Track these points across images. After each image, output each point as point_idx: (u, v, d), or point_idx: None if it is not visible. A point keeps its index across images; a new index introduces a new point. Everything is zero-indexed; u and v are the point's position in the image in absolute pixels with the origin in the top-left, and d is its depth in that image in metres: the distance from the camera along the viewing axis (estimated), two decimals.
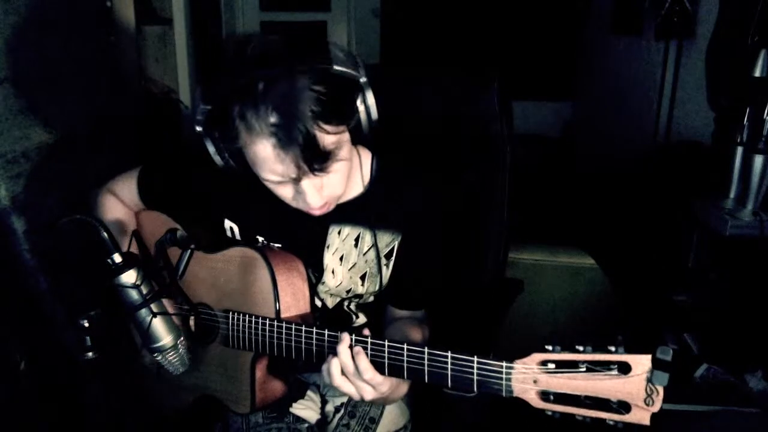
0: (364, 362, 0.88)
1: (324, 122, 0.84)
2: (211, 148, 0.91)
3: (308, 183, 0.91)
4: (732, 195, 1.71)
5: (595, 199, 2.82)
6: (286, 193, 0.94)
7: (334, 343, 0.92)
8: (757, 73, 1.61)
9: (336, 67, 0.85)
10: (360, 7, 4.51)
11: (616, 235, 2.30)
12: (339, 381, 0.90)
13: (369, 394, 0.89)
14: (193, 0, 2.84)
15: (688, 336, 1.69)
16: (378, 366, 0.88)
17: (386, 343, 0.88)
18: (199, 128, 0.90)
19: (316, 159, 0.85)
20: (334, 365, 0.89)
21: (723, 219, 1.65)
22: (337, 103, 0.86)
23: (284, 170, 0.87)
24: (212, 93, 0.87)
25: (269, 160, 0.86)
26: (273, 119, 0.82)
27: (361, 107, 0.90)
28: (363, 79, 0.89)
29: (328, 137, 0.86)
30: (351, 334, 0.90)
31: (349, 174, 0.98)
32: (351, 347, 0.89)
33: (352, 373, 0.89)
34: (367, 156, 1.08)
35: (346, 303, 1.14)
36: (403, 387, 0.96)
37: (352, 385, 0.90)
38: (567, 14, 4.19)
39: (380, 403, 0.97)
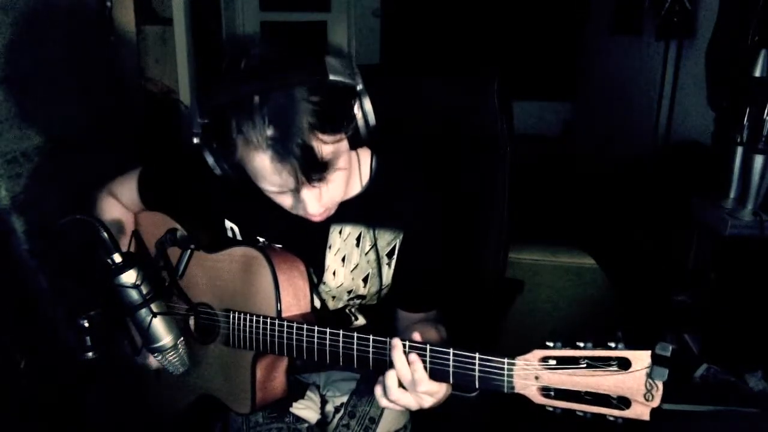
0: (420, 370, 0.84)
1: (321, 132, 0.84)
2: (210, 160, 0.91)
3: (307, 192, 0.91)
4: (732, 195, 1.71)
5: (595, 199, 2.82)
6: (285, 201, 0.94)
7: (337, 340, 0.92)
8: (757, 73, 1.61)
9: (331, 77, 0.85)
10: (360, 7, 4.51)
11: (616, 235, 2.30)
12: (397, 395, 0.85)
13: (427, 403, 0.86)
14: (193, 0, 2.84)
15: (688, 336, 1.69)
16: None
17: (387, 340, 0.87)
18: (196, 140, 0.89)
19: (314, 170, 0.85)
20: (391, 378, 0.84)
21: (723, 219, 1.65)
22: (334, 113, 0.86)
23: (282, 182, 0.87)
24: (208, 106, 0.86)
25: (267, 172, 0.86)
26: (270, 132, 0.82)
27: (358, 113, 0.90)
28: (359, 87, 0.88)
29: (325, 147, 0.85)
30: (403, 340, 0.85)
31: (348, 179, 0.98)
32: (406, 354, 0.84)
33: (410, 382, 0.84)
34: (366, 155, 1.07)
35: (347, 306, 1.14)
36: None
37: (411, 396, 0.85)
38: (567, 14, 4.19)
39: (433, 407, 0.91)
